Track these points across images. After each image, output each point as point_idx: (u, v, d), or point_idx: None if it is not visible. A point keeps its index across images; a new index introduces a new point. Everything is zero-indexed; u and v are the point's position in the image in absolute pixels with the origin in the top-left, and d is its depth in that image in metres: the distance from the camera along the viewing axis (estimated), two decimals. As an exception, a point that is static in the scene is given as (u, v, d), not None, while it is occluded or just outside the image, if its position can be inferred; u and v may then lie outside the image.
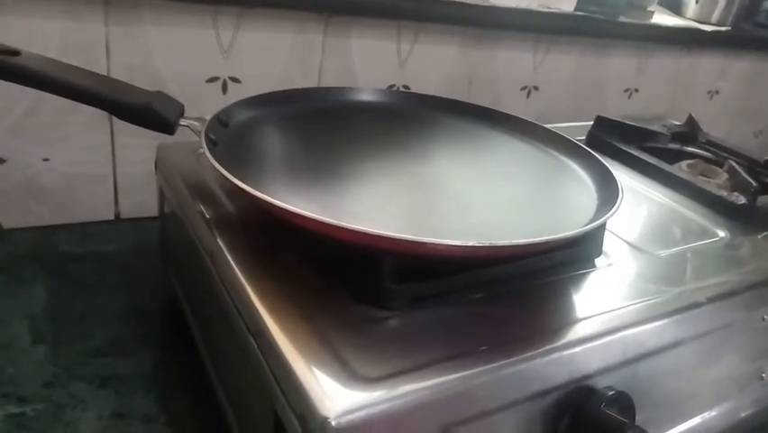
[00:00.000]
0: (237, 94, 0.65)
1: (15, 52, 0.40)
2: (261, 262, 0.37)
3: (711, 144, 0.71)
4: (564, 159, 0.52)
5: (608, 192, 0.43)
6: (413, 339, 0.32)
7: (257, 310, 0.32)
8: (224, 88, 0.66)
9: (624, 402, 0.32)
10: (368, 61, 0.73)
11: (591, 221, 0.39)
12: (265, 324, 0.31)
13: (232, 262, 0.36)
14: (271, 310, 0.32)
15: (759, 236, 0.51)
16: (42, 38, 0.56)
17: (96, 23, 0.58)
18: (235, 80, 0.66)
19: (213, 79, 0.65)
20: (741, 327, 0.44)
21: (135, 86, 0.44)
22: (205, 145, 0.40)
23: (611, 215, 0.39)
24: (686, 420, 0.42)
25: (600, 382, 0.34)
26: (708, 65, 1.08)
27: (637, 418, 0.34)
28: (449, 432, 0.29)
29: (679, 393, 0.41)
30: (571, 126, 0.66)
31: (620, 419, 0.31)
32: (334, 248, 0.34)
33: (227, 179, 0.36)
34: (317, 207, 0.33)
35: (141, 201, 0.67)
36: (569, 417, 0.32)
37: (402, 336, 0.33)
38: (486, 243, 0.32)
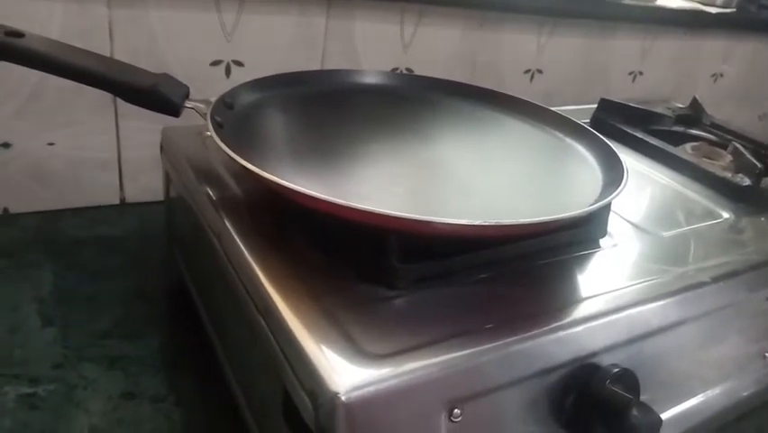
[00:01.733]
0: (240, 77, 0.65)
1: (19, 34, 0.40)
2: (269, 243, 0.37)
3: (715, 127, 0.70)
4: (569, 140, 0.52)
5: (613, 173, 0.44)
6: (419, 317, 0.33)
7: (266, 290, 0.33)
8: (228, 72, 0.66)
9: (629, 380, 0.33)
10: (371, 44, 0.73)
11: (596, 201, 0.39)
12: (274, 303, 0.32)
13: (240, 244, 0.37)
14: (280, 290, 0.33)
15: (763, 218, 0.52)
16: (44, 21, 0.56)
17: (99, 6, 0.58)
18: (238, 63, 0.66)
19: (216, 63, 0.65)
20: (744, 308, 0.45)
21: (140, 68, 0.44)
22: (211, 127, 0.40)
23: (616, 195, 0.39)
24: (688, 398, 0.43)
25: (605, 360, 0.34)
26: (713, 48, 1.07)
27: (641, 396, 0.34)
28: (455, 408, 0.29)
29: (682, 372, 0.42)
30: (575, 109, 0.66)
31: (626, 396, 0.31)
32: (341, 228, 0.35)
33: (234, 160, 0.36)
34: (323, 188, 0.33)
35: (146, 185, 0.67)
36: (574, 393, 0.33)
37: (408, 314, 0.33)
38: (492, 222, 0.32)
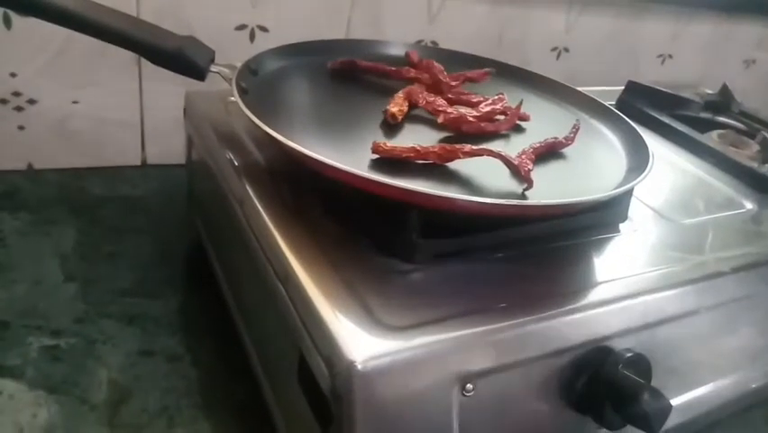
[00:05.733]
0: (264, 42, 0.65)
1: (50, -10, 0.40)
2: (290, 211, 0.37)
3: (744, 115, 0.69)
4: (594, 122, 0.51)
5: (638, 157, 0.43)
6: (436, 293, 0.33)
7: (286, 258, 0.33)
8: (252, 37, 0.66)
9: (642, 365, 0.33)
10: (397, 15, 0.72)
11: (619, 185, 0.39)
12: (294, 271, 0.32)
13: (261, 211, 0.37)
14: (300, 258, 0.33)
15: (787, 210, 0.51)
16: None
17: (126, -35, 0.57)
18: (263, 29, 0.66)
19: (241, 27, 0.65)
20: (760, 300, 0.44)
21: (167, 30, 0.44)
22: (236, 93, 0.40)
23: (640, 180, 0.38)
24: (699, 387, 0.43)
25: (619, 344, 0.34)
26: (747, 33, 1.04)
27: (652, 382, 0.34)
28: (468, 383, 0.30)
29: (694, 360, 0.42)
30: (601, 90, 0.64)
31: (638, 381, 0.32)
32: (362, 200, 0.35)
33: (259, 127, 0.36)
34: (346, 159, 0.33)
35: (167, 148, 0.67)
36: (586, 376, 0.33)
37: (425, 288, 0.33)
38: (515, 201, 0.32)
